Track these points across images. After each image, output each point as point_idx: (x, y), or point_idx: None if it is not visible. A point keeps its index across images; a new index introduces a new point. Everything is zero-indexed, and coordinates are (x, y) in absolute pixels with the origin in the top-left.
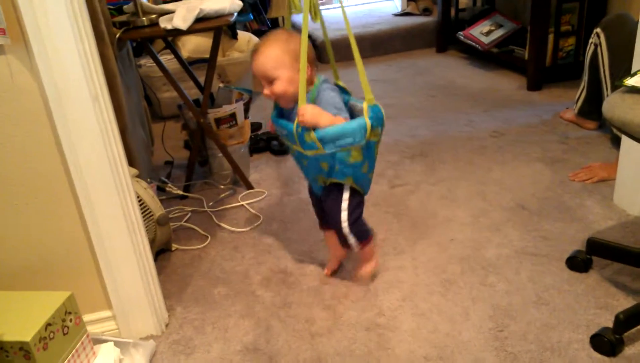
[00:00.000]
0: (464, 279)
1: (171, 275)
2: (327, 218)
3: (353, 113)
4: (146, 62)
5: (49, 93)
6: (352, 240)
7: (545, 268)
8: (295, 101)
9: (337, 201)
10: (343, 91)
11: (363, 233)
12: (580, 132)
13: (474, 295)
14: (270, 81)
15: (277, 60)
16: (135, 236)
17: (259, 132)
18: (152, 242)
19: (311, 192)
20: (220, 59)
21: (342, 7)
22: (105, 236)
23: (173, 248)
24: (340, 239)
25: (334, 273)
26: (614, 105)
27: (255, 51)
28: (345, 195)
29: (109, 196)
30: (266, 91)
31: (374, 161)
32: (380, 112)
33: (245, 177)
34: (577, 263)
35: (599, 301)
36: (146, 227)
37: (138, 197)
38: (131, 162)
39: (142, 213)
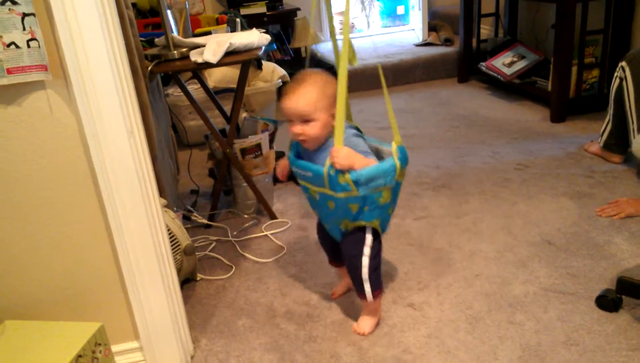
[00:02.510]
0: (491, 316)
1: (196, 305)
2: (347, 265)
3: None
4: (173, 91)
5: (87, 127)
6: (367, 288)
7: (574, 306)
8: (320, 143)
9: (359, 245)
10: (359, 132)
11: (379, 283)
12: (605, 166)
13: (501, 333)
14: (305, 121)
15: (316, 103)
16: (165, 268)
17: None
18: (178, 272)
19: (320, 229)
20: (245, 88)
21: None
22: (135, 268)
23: (198, 278)
24: (355, 285)
25: (339, 297)
26: None
27: (290, 89)
28: (369, 239)
29: (141, 228)
30: (297, 129)
31: (397, 202)
32: (406, 153)
33: (269, 207)
34: (607, 302)
35: (630, 342)
36: (173, 257)
37: (167, 228)
38: (160, 191)
39: (170, 242)
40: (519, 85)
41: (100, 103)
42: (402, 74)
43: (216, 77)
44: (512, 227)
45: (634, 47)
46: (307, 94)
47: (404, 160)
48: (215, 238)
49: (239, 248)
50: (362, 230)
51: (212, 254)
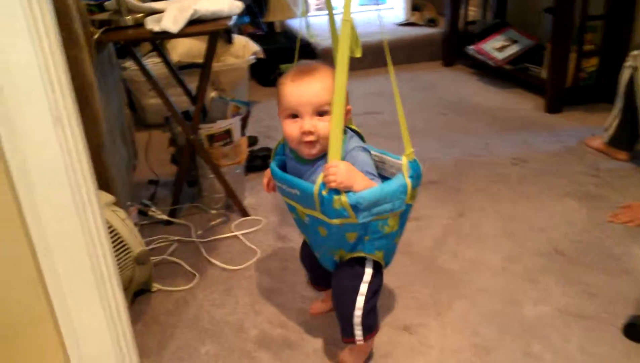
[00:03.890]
0: (502, 345)
1: (151, 324)
2: (334, 300)
3: (380, 169)
4: (131, 64)
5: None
6: (358, 332)
7: (597, 334)
8: (320, 152)
9: (355, 281)
10: (359, 136)
11: (372, 326)
12: (611, 163)
13: None
14: (320, 113)
15: (332, 90)
16: (105, 288)
17: (255, 147)
18: (129, 283)
19: (305, 248)
20: (213, 64)
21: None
22: (66, 290)
23: (154, 289)
24: (342, 326)
25: (319, 314)
26: None
27: (297, 73)
28: (368, 275)
29: (72, 239)
30: (308, 125)
31: (405, 227)
32: (420, 169)
33: (240, 202)
34: (637, 332)
35: None
36: (122, 266)
37: (114, 231)
38: (107, 186)
39: (118, 249)
40: (509, 71)
41: (15, 81)
42: (382, 55)
43: (181, 51)
44: (516, 232)
45: (636, 35)
46: (323, 78)
47: (417, 179)
48: (176, 237)
49: (204, 251)
50: (360, 262)
51: (172, 258)
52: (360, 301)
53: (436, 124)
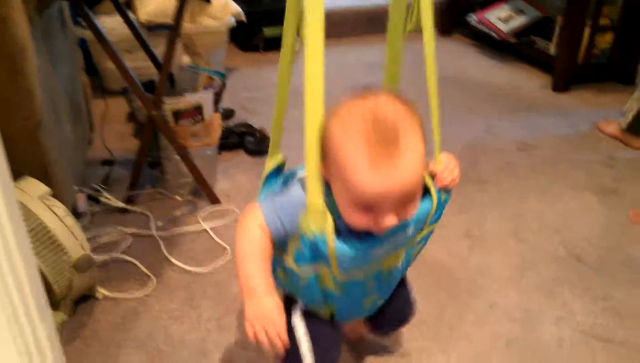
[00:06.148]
0: None
1: (91, 342)
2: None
3: None
4: None
5: None
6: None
7: None
8: None
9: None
10: None
11: None
12: (628, 152)
13: None
14: (406, 204)
15: (422, 164)
16: (19, 325)
17: (232, 122)
18: (67, 290)
19: (319, 326)
20: (188, 26)
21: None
22: None
23: (100, 295)
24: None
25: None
26: None
27: (382, 144)
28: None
29: None
30: (390, 223)
31: None
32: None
33: (211, 189)
34: None
35: None
36: (57, 272)
37: (47, 232)
38: (44, 172)
39: (52, 253)
40: (514, 44)
41: None
42: (377, 21)
43: (150, 9)
44: (526, 233)
45: None
46: (413, 154)
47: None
48: (131, 230)
49: (163, 248)
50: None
51: (125, 257)
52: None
53: None
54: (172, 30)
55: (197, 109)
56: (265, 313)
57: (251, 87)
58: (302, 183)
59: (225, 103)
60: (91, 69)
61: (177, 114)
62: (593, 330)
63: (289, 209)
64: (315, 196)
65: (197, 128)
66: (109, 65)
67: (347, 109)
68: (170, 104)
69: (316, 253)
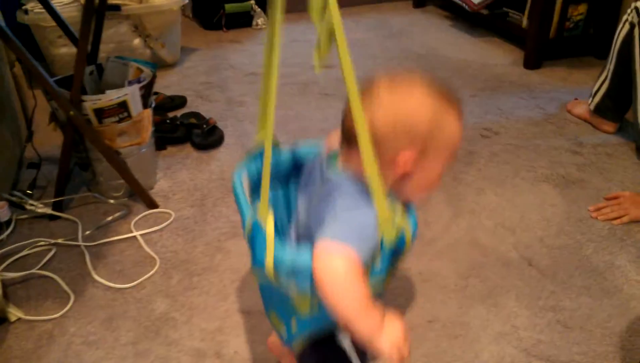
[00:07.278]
0: None
1: None
2: None
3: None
4: (34, 6)
5: None
6: None
7: None
8: None
9: None
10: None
11: None
12: (595, 136)
13: None
14: None
15: None
16: None
17: (181, 112)
18: None
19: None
20: (136, 6)
21: None
22: None
23: (13, 318)
24: None
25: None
26: None
27: (451, 94)
28: None
29: None
30: None
31: None
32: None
33: (146, 192)
34: None
35: None
36: None
37: None
38: None
39: None
40: (487, 17)
41: None
42: None
43: None
44: (479, 232)
45: None
46: None
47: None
48: (56, 240)
49: (88, 260)
50: None
51: (45, 272)
52: None
53: None
54: (84, 11)
55: (122, 106)
56: (398, 335)
57: (208, 71)
58: (346, 174)
59: (178, 90)
60: (38, 55)
61: (99, 113)
62: (537, 349)
63: (369, 233)
64: (383, 204)
65: (125, 126)
66: (59, 51)
67: (409, 92)
68: (90, 101)
69: (393, 256)
